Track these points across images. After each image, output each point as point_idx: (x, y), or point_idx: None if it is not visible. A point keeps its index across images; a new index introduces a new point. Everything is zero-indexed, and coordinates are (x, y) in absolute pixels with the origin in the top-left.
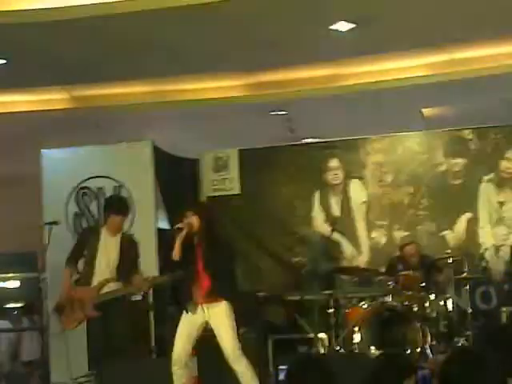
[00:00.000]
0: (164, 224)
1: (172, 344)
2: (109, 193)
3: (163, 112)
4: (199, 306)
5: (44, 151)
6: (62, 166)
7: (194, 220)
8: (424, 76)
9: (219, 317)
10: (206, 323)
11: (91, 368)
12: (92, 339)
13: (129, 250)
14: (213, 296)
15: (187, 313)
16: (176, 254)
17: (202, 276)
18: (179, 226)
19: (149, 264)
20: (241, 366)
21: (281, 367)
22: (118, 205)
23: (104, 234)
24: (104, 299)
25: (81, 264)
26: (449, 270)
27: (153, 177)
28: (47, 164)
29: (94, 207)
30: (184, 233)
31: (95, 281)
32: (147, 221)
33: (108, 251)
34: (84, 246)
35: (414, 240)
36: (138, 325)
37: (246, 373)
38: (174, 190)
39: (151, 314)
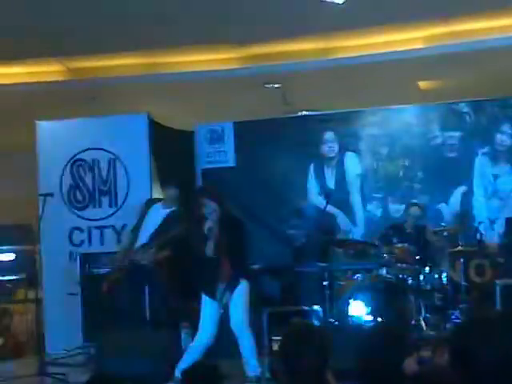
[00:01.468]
0: (159, 196)
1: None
2: (104, 165)
3: (159, 84)
4: (221, 291)
5: (39, 123)
6: (58, 137)
7: (214, 205)
8: (421, 49)
9: (237, 296)
10: (226, 305)
11: (86, 340)
12: (87, 311)
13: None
14: (234, 279)
15: (213, 300)
16: (210, 250)
17: (223, 260)
18: (209, 226)
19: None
20: (245, 333)
21: (274, 338)
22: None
23: (158, 206)
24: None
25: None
26: (443, 243)
27: (148, 149)
28: (43, 136)
29: (88, 179)
30: (214, 219)
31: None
32: (142, 194)
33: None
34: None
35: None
36: (134, 297)
37: (248, 343)
38: (169, 162)
39: (146, 287)
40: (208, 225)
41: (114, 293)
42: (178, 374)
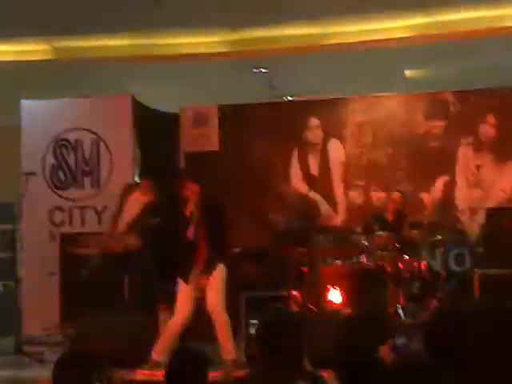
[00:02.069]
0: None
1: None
2: (87, 145)
3: (145, 66)
4: (198, 275)
5: (24, 102)
6: (42, 117)
7: (196, 188)
8: (408, 37)
9: (214, 279)
10: (203, 290)
11: (64, 320)
12: (66, 291)
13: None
14: (211, 262)
15: (187, 284)
16: (192, 236)
17: (201, 244)
18: (191, 210)
19: None
20: (222, 317)
21: (252, 322)
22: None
23: (137, 193)
24: None
25: None
26: (424, 232)
27: (131, 130)
28: (27, 115)
29: (71, 159)
30: (196, 217)
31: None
32: (125, 175)
33: (135, 209)
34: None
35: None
36: (113, 279)
37: (224, 326)
38: (152, 144)
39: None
40: (190, 208)
41: (94, 275)
42: (155, 356)
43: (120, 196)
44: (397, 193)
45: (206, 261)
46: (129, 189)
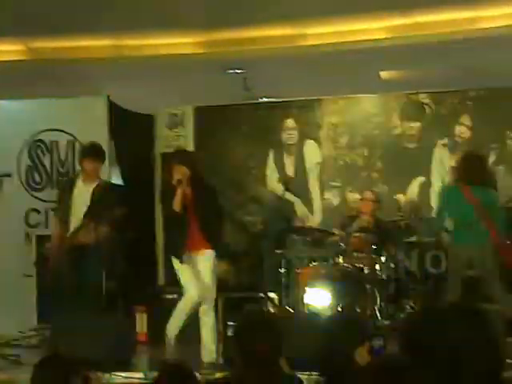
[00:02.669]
0: (117, 180)
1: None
2: (62, 147)
3: (120, 67)
4: (190, 256)
5: None
6: (17, 117)
7: (185, 170)
8: (384, 39)
9: (203, 266)
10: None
11: (41, 321)
12: (42, 292)
13: (102, 197)
14: (201, 245)
15: (181, 264)
16: (177, 205)
17: (193, 225)
18: (178, 178)
19: None
20: (209, 317)
21: (229, 323)
22: (92, 151)
23: (79, 183)
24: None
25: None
26: (400, 233)
27: (107, 131)
28: (1, 115)
29: (46, 160)
30: (184, 184)
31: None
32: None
33: (84, 200)
34: (64, 196)
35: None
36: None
37: (210, 326)
38: (128, 145)
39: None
40: (180, 190)
41: (69, 275)
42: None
43: (63, 189)
44: (369, 192)
45: (197, 241)
46: (70, 181)
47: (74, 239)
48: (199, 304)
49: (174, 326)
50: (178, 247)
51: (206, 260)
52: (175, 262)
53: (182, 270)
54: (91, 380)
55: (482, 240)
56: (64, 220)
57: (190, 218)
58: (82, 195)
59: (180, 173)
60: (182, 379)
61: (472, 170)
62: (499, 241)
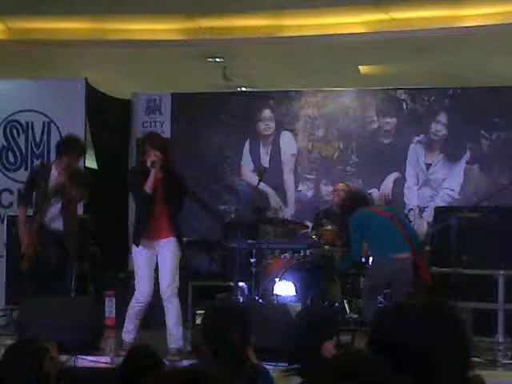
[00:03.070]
0: (92, 163)
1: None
2: (38, 128)
3: (100, 51)
4: (153, 242)
5: None
6: None
7: (159, 154)
8: (364, 33)
9: (167, 252)
10: (157, 257)
11: (9, 303)
12: (11, 274)
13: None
14: (167, 232)
15: (137, 247)
16: (150, 187)
17: (159, 212)
18: (153, 159)
19: None
20: (173, 304)
21: (198, 312)
22: (76, 147)
23: (54, 173)
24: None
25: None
26: None
27: (84, 114)
28: None
29: (21, 141)
30: (158, 167)
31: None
32: None
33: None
34: (36, 183)
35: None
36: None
37: (175, 312)
38: (104, 129)
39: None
40: (152, 174)
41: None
42: (124, 337)
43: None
44: (341, 184)
45: (162, 227)
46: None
47: (43, 225)
48: (148, 304)
49: (128, 329)
50: (139, 232)
51: (169, 247)
52: (133, 248)
53: (140, 261)
54: (59, 363)
55: (405, 250)
56: (39, 206)
57: (157, 204)
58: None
59: (155, 155)
60: (147, 363)
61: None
62: (416, 252)
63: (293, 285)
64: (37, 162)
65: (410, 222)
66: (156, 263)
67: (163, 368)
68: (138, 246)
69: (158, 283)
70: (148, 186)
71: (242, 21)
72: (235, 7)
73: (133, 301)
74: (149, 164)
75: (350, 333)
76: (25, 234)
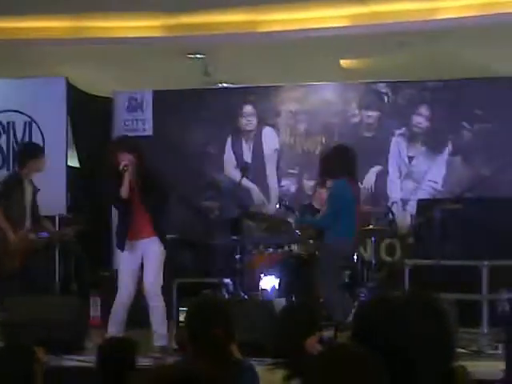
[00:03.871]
0: (74, 162)
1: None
2: (19, 127)
3: (81, 49)
4: (135, 242)
5: None
6: None
7: (131, 157)
8: (345, 27)
9: (150, 251)
10: (142, 258)
11: None
12: None
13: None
14: (148, 231)
15: (122, 251)
16: (125, 192)
17: (138, 212)
18: (125, 163)
19: (58, 202)
20: (157, 302)
21: (182, 309)
22: (35, 150)
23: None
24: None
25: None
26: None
27: (65, 113)
28: None
29: (3, 141)
30: (131, 170)
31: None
32: (58, 158)
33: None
34: (10, 191)
35: None
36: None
37: (159, 311)
38: (85, 128)
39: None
40: (126, 178)
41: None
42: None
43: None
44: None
45: (143, 228)
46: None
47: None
48: (131, 305)
49: (112, 327)
50: (121, 235)
51: (152, 246)
52: (119, 253)
53: (123, 263)
54: (44, 363)
55: (354, 234)
56: (17, 216)
57: (135, 205)
58: (28, 192)
59: (126, 159)
60: (123, 351)
61: (352, 163)
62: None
63: (276, 280)
64: None
65: (394, 214)
66: (141, 263)
67: (135, 359)
68: (122, 250)
69: (142, 282)
70: (123, 192)
71: (223, 16)
72: (215, 3)
73: (116, 301)
74: (120, 168)
75: (334, 328)
76: (9, 230)
